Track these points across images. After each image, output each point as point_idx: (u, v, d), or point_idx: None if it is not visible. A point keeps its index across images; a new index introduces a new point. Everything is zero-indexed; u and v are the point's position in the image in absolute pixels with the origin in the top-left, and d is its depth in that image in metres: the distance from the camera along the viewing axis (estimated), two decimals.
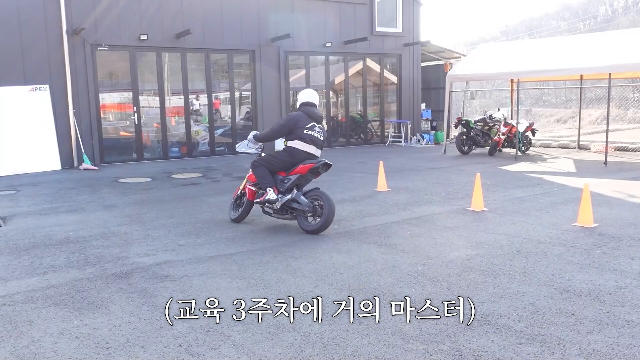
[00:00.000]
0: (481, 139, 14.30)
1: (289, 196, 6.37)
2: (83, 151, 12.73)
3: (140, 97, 13.82)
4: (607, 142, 12.21)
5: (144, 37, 13.20)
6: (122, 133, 14.04)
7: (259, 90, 15.22)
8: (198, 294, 4.39)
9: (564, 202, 7.74)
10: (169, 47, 13.85)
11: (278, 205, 6.43)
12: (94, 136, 13.07)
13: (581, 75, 14.41)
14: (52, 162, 12.30)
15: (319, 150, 6.60)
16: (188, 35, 13.55)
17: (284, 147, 6.58)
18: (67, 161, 12.65)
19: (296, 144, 6.43)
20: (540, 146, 16.01)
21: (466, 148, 14.32)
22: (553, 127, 23.70)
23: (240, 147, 6.99)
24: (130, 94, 13.67)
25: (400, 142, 17.31)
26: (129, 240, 6.13)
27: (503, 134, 13.92)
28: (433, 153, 14.82)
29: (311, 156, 6.48)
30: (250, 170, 6.70)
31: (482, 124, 14.35)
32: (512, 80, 15.19)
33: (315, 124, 6.50)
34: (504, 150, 14.42)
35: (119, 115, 14.18)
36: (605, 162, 11.82)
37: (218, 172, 11.67)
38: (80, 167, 12.50)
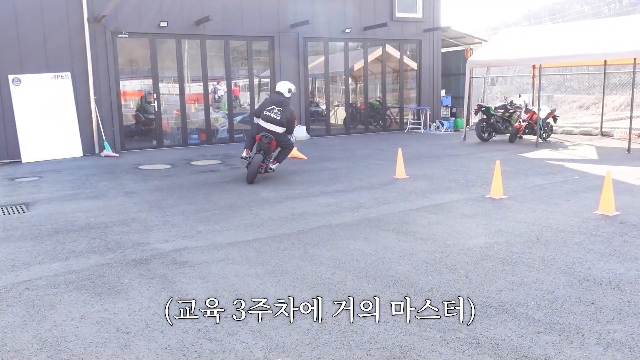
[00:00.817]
0: (501, 126, 14.12)
1: (248, 154, 8.82)
2: (104, 138, 12.88)
3: (160, 84, 13.90)
4: (630, 128, 11.97)
5: (163, 24, 13.25)
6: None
7: (278, 76, 15.17)
8: (216, 280, 4.44)
9: (585, 190, 7.62)
10: (188, 34, 13.89)
11: (248, 160, 8.81)
12: (114, 123, 13.21)
13: (605, 61, 14.11)
14: (73, 148, 12.48)
15: (277, 127, 8.88)
16: (207, 22, 13.56)
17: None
18: (89, 148, 12.82)
19: (259, 120, 8.98)
20: (561, 133, 15.76)
21: (486, 135, 14.16)
22: (575, 114, 23.29)
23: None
24: (150, 81, 13.76)
25: (420, 129, 17.17)
26: (149, 227, 6.21)
27: (524, 121, 13.73)
28: (452, 140, 14.68)
29: (266, 130, 8.79)
30: None
31: (502, 111, 14.15)
32: (533, 66, 14.93)
33: (275, 107, 8.95)
34: (525, 137, 14.23)
35: (139, 102, 14.30)
36: (629, 149, 11.59)
37: (237, 159, 11.72)
38: (102, 153, 12.66)
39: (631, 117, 11.86)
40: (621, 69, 16.64)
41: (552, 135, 14.63)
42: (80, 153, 12.54)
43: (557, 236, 5.48)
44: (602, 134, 14.99)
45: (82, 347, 3.38)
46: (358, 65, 17.14)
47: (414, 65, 17.93)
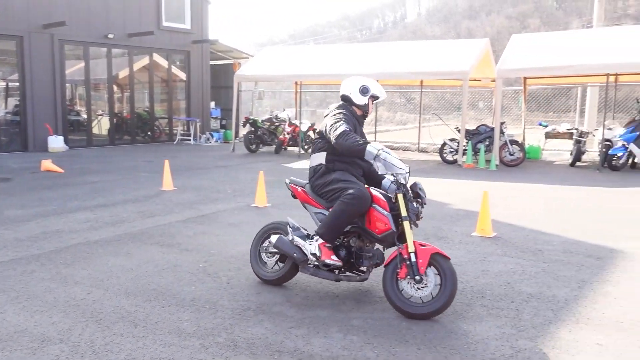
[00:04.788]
0: (268, 138, 14.86)
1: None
2: None
3: None
4: (376, 141, 13.63)
5: None
6: None
7: (29, 81, 13.70)
8: None
9: None
10: None
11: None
12: None
13: None
14: None
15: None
16: None
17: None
18: None
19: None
20: None
21: (254, 146, 14.75)
22: None
23: None
24: None
25: (190, 140, 17.11)
26: None
27: (288, 133, 14.66)
28: (222, 151, 14.95)
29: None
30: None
31: (268, 124, 14.91)
32: (296, 83, 16.05)
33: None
34: (289, 148, 15.18)
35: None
36: None
37: None
38: None
39: (375, 132, 13.52)
40: None
41: None
42: None
43: None
44: None
45: None
46: (123, 73, 16.41)
47: (183, 76, 17.82)
